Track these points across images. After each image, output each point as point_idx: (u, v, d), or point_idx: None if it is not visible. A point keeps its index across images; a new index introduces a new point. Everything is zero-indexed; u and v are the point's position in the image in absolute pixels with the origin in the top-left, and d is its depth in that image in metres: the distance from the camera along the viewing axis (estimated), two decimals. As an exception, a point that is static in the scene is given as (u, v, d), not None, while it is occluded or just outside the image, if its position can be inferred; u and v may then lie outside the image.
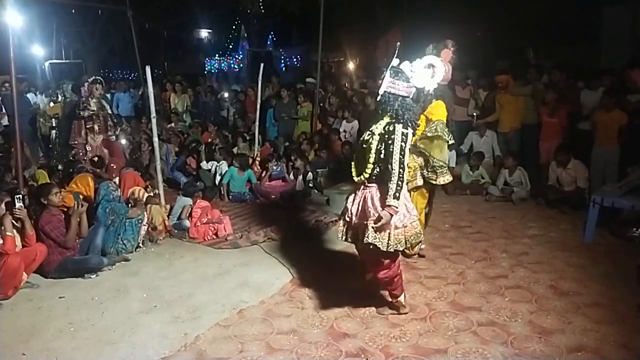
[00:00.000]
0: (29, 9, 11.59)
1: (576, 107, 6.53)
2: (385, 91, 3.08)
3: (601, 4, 9.90)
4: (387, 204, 3.01)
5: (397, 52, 3.07)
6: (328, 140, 8.07)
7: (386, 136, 3.06)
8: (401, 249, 3.20)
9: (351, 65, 14.01)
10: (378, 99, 3.15)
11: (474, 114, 7.48)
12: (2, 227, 3.82)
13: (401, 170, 3.00)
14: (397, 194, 2.99)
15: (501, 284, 4.00)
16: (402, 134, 3.01)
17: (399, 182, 3.00)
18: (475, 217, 5.74)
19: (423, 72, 3.22)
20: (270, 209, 6.34)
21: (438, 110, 4.04)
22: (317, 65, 8.66)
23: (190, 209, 5.53)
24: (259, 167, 7.30)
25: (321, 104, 8.88)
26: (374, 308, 3.61)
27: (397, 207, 3.01)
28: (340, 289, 3.87)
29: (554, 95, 6.45)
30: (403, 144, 3.01)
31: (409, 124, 3.05)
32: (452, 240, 5.04)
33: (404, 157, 3.01)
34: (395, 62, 3.10)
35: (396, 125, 3.03)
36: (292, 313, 3.60)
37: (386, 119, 3.11)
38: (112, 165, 5.93)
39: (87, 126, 6.63)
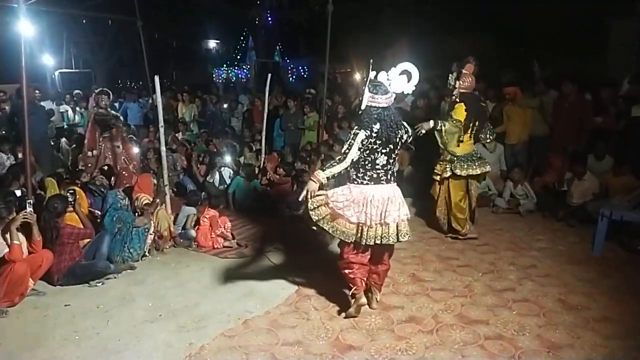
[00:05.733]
0: (41, 19, 11.78)
1: (586, 122, 6.51)
2: (367, 105, 3.34)
3: (609, 15, 9.90)
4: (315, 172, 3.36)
5: (371, 66, 3.36)
6: (334, 150, 8.07)
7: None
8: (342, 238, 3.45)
9: (358, 76, 14.06)
10: (361, 113, 3.38)
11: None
12: (9, 235, 3.83)
13: (342, 160, 3.28)
14: (326, 170, 3.28)
15: (509, 297, 3.96)
16: (354, 133, 3.30)
17: (334, 165, 3.28)
18: (482, 229, 5.69)
19: (399, 79, 3.42)
20: (276, 219, 6.33)
21: (458, 112, 4.99)
22: (324, 76, 8.70)
23: (194, 218, 5.54)
24: (274, 175, 7.26)
25: (328, 114, 8.90)
26: (380, 320, 3.59)
27: (319, 178, 3.26)
28: (346, 300, 3.83)
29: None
30: (352, 141, 3.28)
31: (369, 128, 3.28)
32: (458, 252, 5.00)
33: (348, 151, 3.27)
34: (372, 75, 3.38)
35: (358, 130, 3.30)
36: (297, 324, 3.58)
37: None
38: (123, 173, 5.95)
39: (105, 135, 6.73)
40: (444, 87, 5.87)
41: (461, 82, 5.01)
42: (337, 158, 3.34)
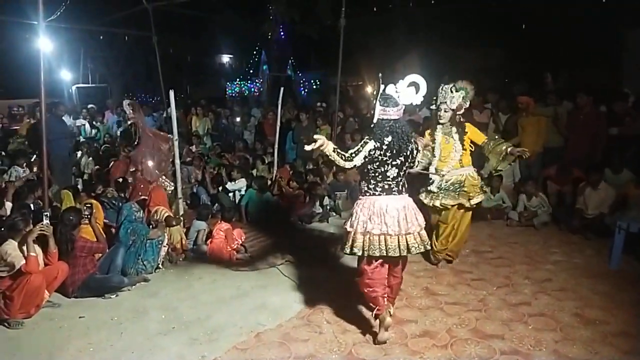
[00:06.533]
0: (59, 36, 12.08)
1: (601, 134, 6.45)
2: (379, 118, 3.34)
3: (622, 26, 9.86)
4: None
5: (381, 80, 3.36)
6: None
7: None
8: (359, 254, 3.36)
9: (369, 89, 14.12)
10: (373, 126, 3.38)
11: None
12: (26, 247, 3.89)
13: (347, 159, 3.26)
14: (335, 151, 3.24)
15: (524, 311, 3.90)
16: (364, 142, 3.31)
17: (340, 156, 3.26)
18: (496, 242, 5.64)
19: (407, 91, 3.41)
20: (289, 232, 6.34)
21: (477, 133, 4.65)
22: (336, 89, 8.77)
23: (205, 232, 5.56)
24: (288, 189, 7.29)
25: (340, 127, 8.95)
26: (393, 334, 3.55)
27: (329, 146, 3.23)
28: (359, 313, 3.82)
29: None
30: (360, 148, 3.28)
31: (379, 140, 3.28)
32: (472, 265, 4.95)
33: (355, 156, 3.26)
34: (381, 89, 3.37)
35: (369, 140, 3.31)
36: (309, 337, 3.56)
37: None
38: (140, 185, 6.00)
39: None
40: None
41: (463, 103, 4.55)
42: (347, 154, 3.28)
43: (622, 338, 3.44)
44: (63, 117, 8.69)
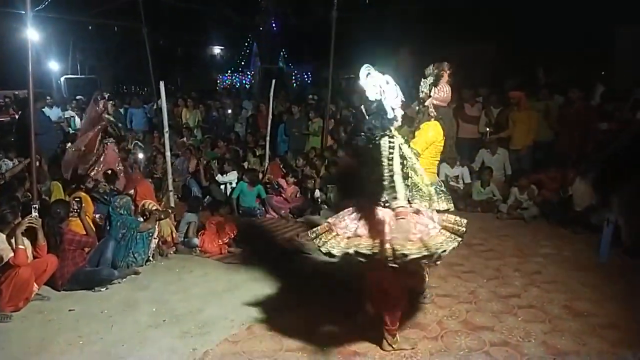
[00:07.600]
0: (47, 26, 11.91)
1: (592, 129, 6.50)
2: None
3: (615, 22, 9.91)
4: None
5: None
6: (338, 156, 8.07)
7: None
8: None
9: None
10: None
11: (486, 130, 7.45)
12: (14, 240, 3.85)
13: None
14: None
15: (514, 303, 3.93)
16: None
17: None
18: (486, 235, 5.68)
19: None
20: (280, 224, 6.33)
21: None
22: (328, 82, 8.75)
23: (196, 225, 5.52)
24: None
25: (335, 119, 8.94)
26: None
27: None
28: (351, 306, 3.82)
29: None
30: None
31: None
32: (463, 258, 4.97)
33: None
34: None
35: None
36: (301, 330, 3.56)
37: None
38: (126, 178, 5.96)
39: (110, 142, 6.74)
40: None
41: (437, 91, 3.64)
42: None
43: (611, 330, 3.48)
44: (51, 110, 8.56)
